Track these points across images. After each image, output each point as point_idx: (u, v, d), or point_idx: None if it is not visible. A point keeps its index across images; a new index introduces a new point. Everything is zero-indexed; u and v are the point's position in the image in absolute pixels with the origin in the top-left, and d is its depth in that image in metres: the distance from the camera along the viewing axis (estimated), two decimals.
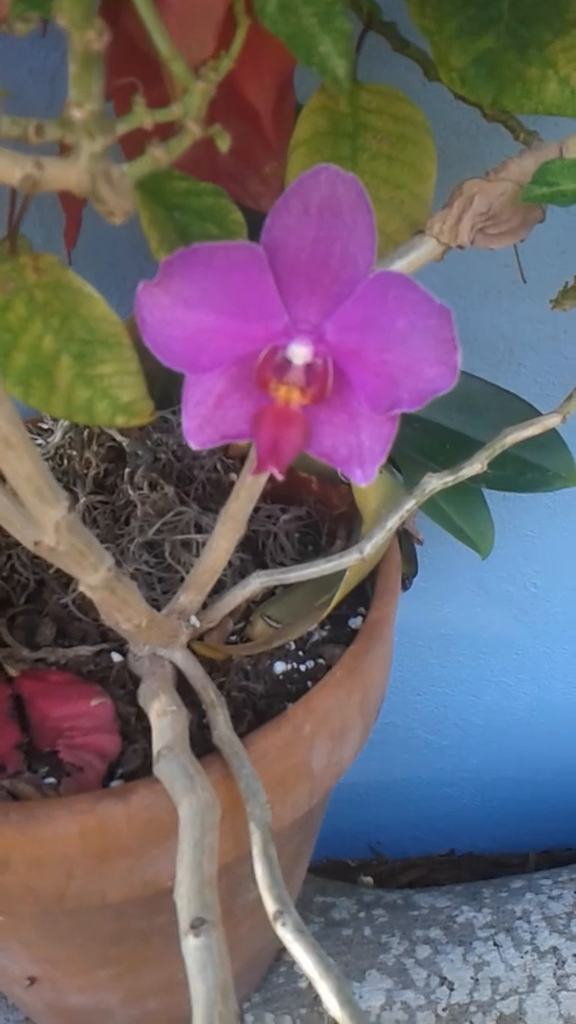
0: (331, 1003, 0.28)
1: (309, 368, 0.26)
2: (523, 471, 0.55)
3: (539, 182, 0.35)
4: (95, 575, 0.31)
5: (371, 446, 0.27)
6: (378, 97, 0.39)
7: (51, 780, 0.40)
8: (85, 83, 0.16)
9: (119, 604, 0.34)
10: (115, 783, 0.40)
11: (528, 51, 0.33)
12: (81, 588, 0.33)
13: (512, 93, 0.37)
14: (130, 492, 0.52)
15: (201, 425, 0.27)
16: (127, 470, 0.54)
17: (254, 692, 0.45)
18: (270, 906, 0.31)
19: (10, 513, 0.33)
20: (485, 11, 0.32)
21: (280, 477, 0.27)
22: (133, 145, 0.25)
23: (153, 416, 0.29)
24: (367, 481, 0.28)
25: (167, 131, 0.25)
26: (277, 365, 0.26)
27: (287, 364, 0.26)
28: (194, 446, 0.27)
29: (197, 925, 0.27)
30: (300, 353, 0.26)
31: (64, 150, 0.23)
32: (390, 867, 0.94)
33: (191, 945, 0.27)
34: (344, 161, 0.39)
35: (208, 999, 0.26)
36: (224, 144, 0.21)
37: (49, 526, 0.28)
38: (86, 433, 0.53)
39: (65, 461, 0.55)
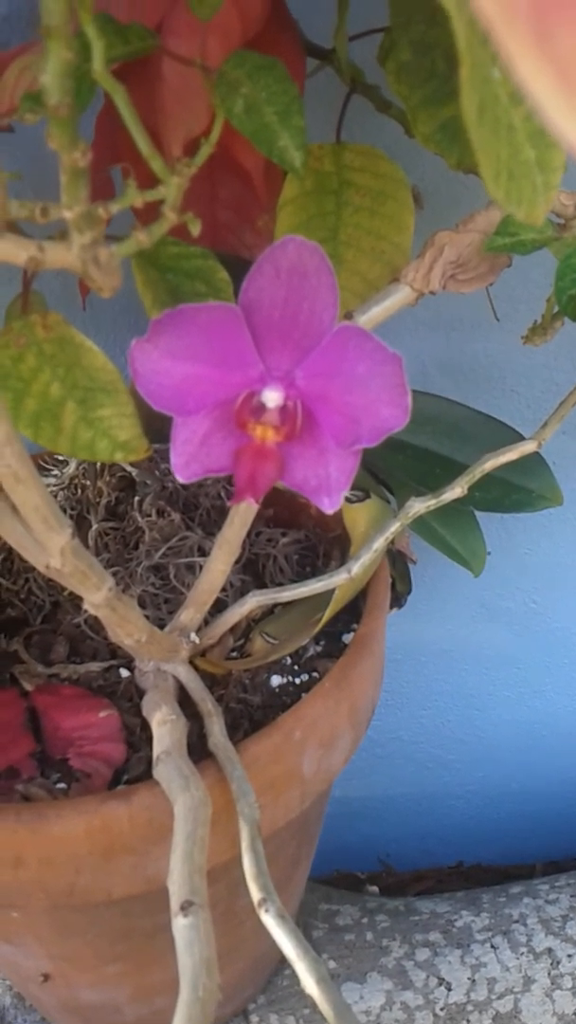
0: (307, 981, 0.31)
1: (282, 410, 0.29)
2: (509, 493, 0.58)
3: (502, 233, 0.38)
4: (97, 594, 0.35)
5: (337, 477, 0.31)
6: (360, 156, 0.43)
7: (62, 785, 0.44)
8: (73, 190, 0.20)
9: (120, 621, 0.37)
10: (120, 788, 0.43)
11: None
12: (86, 606, 0.37)
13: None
14: (139, 519, 0.56)
15: (187, 462, 0.30)
16: (136, 498, 0.57)
17: (251, 704, 0.48)
18: (255, 894, 0.34)
19: (24, 540, 0.37)
20: (447, 84, 0.36)
21: (256, 505, 0.30)
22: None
23: (149, 452, 0.33)
24: (333, 508, 0.31)
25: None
26: (254, 408, 0.29)
27: (262, 407, 0.29)
28: (181, 480, 0.30)
29: (186, 907, 0.30)
30: (273, 397, 0.29)
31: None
32: (399, 879, 0.96)
33: (180, 924, 0.30)
34: (329, 215, 0.43)
35: (194, 972, 0.29)
36: (196, 229, 0.25)
37: (55, 551, 0.32)
38: (98, 464, 0.57)
39: (79, 490, 0.58)
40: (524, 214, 0.23)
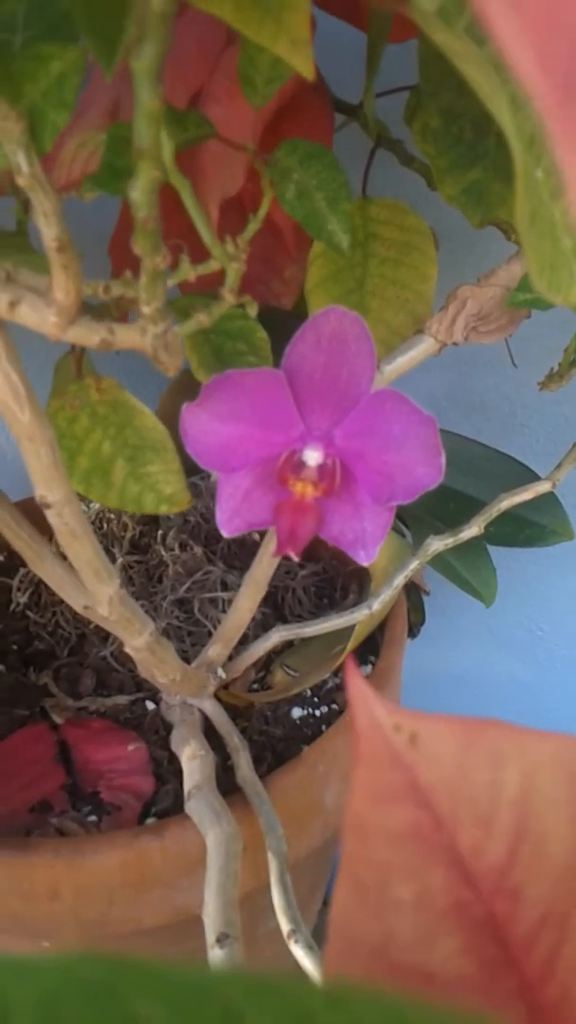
0: None
1: (321, 467, 0.31)
2: (522, 528, 0.60)
3: (523, 289, 0.40)
4: (139, 639, 0.36)
5: (372, 531, 0.32)
6: (385, 210, 0.45)
7: (93, 818, 0.45)
8: (152, 289, 0.21)
9: (158, 663, 0.39)
10: (150, 821, 0.45)
11: (512, 180, 0.38)
12: (127, 650, 0.38)
13: (503, 210, 0.42)
14: (163, 552, 0.58)
15: (231, 516, 0.32)
16: (160, 532, 0.59)
17: (274, 736, 0.49)
18: (284, 926, 0.35)
19: (64, 582, 0.39)
20: (473, 150, 0.38)
21: (297, 559, 0.32)
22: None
23: (190, 503, 0.34)
24: (369, 560, 0.33)
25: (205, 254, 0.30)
26: (295, 465, 0.31)
27: (303, 464, 0.31)
28: (225, 534, 0.32)
29: (222, 939, 0.32)
30: (314, 456, 0.31)
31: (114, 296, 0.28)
32: None
33: (216, 956, 0.31)
34: (356, 267, 0.44)
35: None
36: (253, 311, 0.26)
37: (104, 600, 0.33)
38: None
39: (105, 524, 0.60)
40: (562, 299, 0.25)
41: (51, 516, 0.29)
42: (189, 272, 0.27)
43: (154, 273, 0.21)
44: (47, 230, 0.24)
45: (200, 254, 0.29)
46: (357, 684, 0.17)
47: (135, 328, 0.23)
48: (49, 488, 0.28)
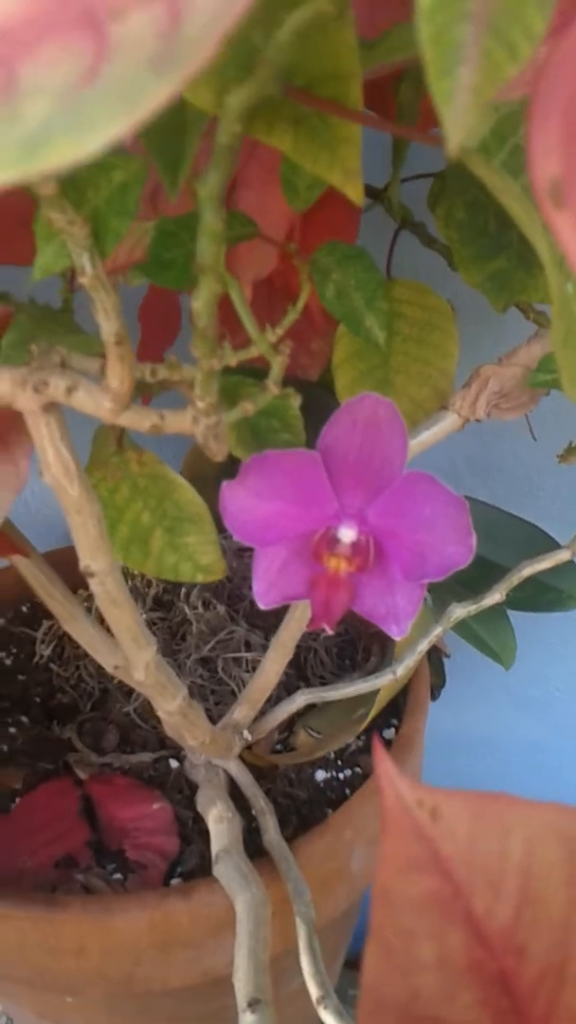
0: None
1: (355, 544, 0.32)
2: (541, 593, 0.61)
3: (543, 370, 0.42)
4: (173, 703, 0.38)
5: (404, 606, 0.34)
6: (409, 290, 0.47)
7: (118, 876, 0.46)
8: (207, 385, 0.23)
9: (188, 726, 0.40)
10: (175, 881, 0.45)
11: (534, 269, 0.40)
12: (159, 713, 0.39)
13: (525, 295, 0.44)
14: (186, 610, 0.59)
15: (267, 588, 0.33)
16: (183, 590, 0.60)
17: (298, 798, 0.50)
18: (314, 992, 0.36)
19: (97, 642, 0.40)
20: (497, 241, 0.40)
21: (331, 631, 0.33)
22: None
23: (226, 572, 0.36)
24: (401, 635, 0.34)
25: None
26: (329, 541, 0.32)
27: (337, 541, 0.32)
28: (262, 606, 0.33)
29: (253, 1004, 0.32)
30: (348, 533, 0.32)
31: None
32: None
33: (248, 1021, 0.32)
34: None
35: None
36: (297, 402, 0.28)
37: (140, 665, 0.35)
38: None
39: (128, 580, 0.61)
40: None
41: (94, 584, 0.30)
42: (231, 358, 0.28)
43: (209, 373, 0.23)
44: (107, 325, 0.26)
45: (235, 328, 0.31)
46: (384, 763, 0.18)
47: (186, 416, 0.25)
48: (93, 558, 0.29)
